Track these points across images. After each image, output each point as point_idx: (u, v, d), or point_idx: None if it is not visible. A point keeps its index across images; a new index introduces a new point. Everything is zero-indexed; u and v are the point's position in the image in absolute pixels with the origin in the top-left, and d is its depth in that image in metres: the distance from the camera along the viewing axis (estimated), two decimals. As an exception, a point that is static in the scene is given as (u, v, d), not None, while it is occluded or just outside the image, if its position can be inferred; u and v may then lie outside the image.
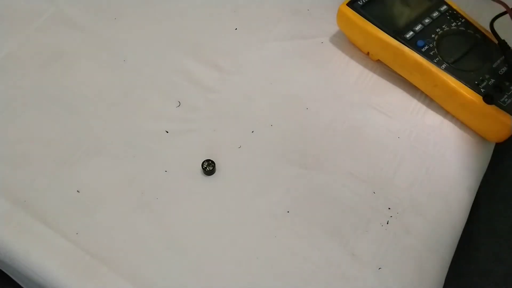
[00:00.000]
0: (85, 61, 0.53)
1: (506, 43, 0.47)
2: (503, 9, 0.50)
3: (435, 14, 0.50)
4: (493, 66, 0.47)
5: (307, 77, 0.52)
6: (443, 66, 0.47)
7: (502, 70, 0.47)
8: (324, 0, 0.57)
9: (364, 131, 0.49)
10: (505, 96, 0.46)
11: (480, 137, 0.49)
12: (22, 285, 0.46)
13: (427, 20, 0.49)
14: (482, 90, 0.46)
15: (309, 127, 0.49)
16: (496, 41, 0.48)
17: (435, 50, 0.48)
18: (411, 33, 0.48)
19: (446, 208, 0.45)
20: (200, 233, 0.43)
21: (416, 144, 0.48)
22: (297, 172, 0.46)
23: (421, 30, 0.49)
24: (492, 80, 0.46)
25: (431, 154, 0.47)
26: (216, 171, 0.46)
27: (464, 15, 0.50)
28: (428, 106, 0.50)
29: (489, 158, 0.49)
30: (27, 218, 0.43)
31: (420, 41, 0.48)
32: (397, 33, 0.49)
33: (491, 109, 0.45)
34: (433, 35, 0.48)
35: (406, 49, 0.48)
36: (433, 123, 0.49)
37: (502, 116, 0.45)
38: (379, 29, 0.49)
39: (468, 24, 0.50)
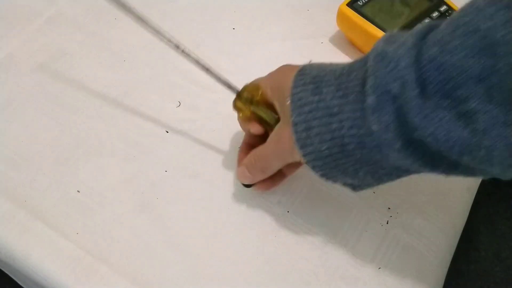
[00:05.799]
0: (85, 61, 0.53)
1: (506, 43, 0.47)
2: (503, 9, 0.50)
3: (435, 14, 0.50)
4: (493, 66, 0.47)
5: (307, 77, 0.52)
6: (443, 66, 0.47)
7: (502, 70, 0.47)
8: (324, 0, 0.57)
9: (364, 131, 0.49)
10: (505, 96, 0.46)
11: (480, 137, 0.48)
12: (22, 284, 0.46)
13: (427, 20, 0.49)
14: (482, 90, 0.46)
15: (309, 127, 0.49)
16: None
17: (435, 50, 0.48)
18: (411, 33, 0.48)
19: (446, 208, 0.45)
20: (200, 233, 0.43)
21: (416, 144, 0.48)
22: (297, 172, 0.46)
23: (421, 30, 0.49)
24: (492, 80, 0.46)
25: (431, 154, 0.47)
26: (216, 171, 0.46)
27: (464, 15, 0.50)
28: (428, 106, 0.50)
29: (489, 158, 0.49)
30: (27, 218, 0.43)
31: (420, 41, 0.48)
32: (397, 33, 0.49)
33: (491, 109, 0.45)
34: (433, 35, 0.48)
35: (406, 49, 0.48)
36: (433, 123, 0.49)
37: (502, 116, 0.45)
38: (379, 29, 0.49)
39: (468, 24, 0.50)
